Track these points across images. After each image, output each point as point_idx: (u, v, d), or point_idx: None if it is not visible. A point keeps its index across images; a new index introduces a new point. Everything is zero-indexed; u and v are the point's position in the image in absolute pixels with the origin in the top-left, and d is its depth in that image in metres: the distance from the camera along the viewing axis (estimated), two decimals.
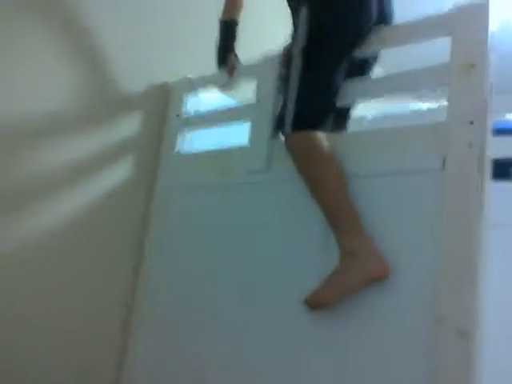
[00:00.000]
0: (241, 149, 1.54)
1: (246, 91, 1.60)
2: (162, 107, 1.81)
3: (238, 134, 1.58)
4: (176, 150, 1.72)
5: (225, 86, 1.68)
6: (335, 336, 1.21)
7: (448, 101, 1.17)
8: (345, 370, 1.18)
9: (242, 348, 1.36)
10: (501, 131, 1.37)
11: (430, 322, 1.06)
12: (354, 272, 1.17)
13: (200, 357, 1.44)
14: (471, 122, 1.11)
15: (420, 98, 1.77)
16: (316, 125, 1.30)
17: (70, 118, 1.58)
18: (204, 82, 1.75)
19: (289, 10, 1.46)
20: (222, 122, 1.68)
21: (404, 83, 1.30)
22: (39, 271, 1.49)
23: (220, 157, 1.60)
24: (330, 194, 1.25)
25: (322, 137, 1.29)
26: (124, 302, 1.68)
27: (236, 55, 1.57)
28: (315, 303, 1.21)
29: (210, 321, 1.45)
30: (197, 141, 1.72)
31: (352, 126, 1.94)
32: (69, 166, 1.56)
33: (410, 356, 1.09)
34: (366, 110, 1.96)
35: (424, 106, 1.85)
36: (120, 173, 1.70)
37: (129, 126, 1.74)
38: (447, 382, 1.02)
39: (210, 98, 1.79)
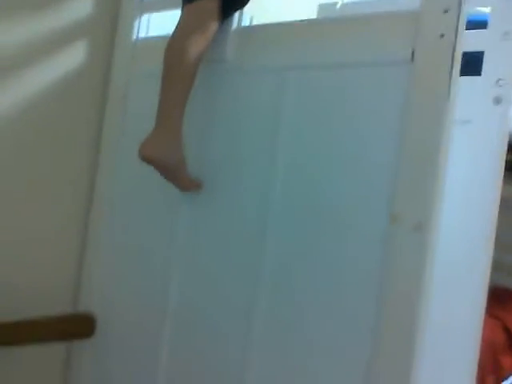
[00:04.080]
0: None
1: None
2: None
3: None
4: (133, 34, 1.60)
5: None
6: (292, 238, 1.22)
7: None
8: (301, 271, 1.20)
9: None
10: (471, 23, 1.31)
11: (386, 215, 1.07)
12: None
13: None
14: (445, 11, 1.05)
15: None
16: None
17: None
18: None
19: None
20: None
21: None
22: None
23: None
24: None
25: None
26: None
27: None
28: None
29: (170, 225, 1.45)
30: (155, 24, 1.61)
31: (321, 13, 1.85)
32: (16, 50, 1.45)
33: (365, 251, 1.10)
34: None
35: None
36: (72, 59, 1.58)
37: (80, 7, 1.59)
38: (401, 275, 1.04)
39: None
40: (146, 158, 1.26)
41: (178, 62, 1.25)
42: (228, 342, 1.29)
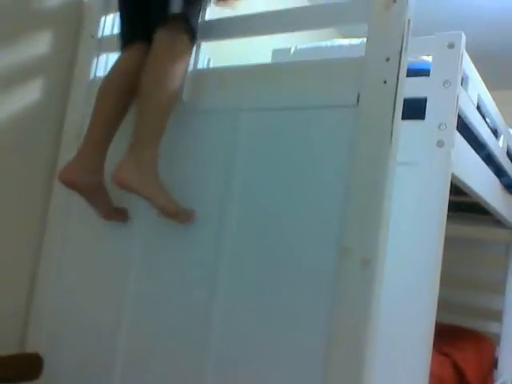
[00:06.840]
0: None
1: None
2: (75, 27, 1.69)
3: None
4: (90, 74, 1.63)
5: None
6: (244, 274, 1.24)
7: (367, 36, 1.17)
8: (254, 303, 1.21)
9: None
10: (415, 71, 1.39)
11: (335, 251, 1.11)
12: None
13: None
14: (387, 59, 1.12)
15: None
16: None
17: None
18: None
19: None
20: None
21: (323, 17, 1.28)
22: None
23: None
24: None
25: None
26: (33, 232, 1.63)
27: None
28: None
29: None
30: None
31: (276, 58, 1.92)
32: None
33: (315, 284, 1.13)
34: (290, 43, 1.94)
35: (349, 41, 1.85)
36: (28, 98, 1.59)
37: (38, 46, 1.61)
38: (349, 309, 1.07)
39: None
40: (61, 181, 1.32)
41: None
42: None
